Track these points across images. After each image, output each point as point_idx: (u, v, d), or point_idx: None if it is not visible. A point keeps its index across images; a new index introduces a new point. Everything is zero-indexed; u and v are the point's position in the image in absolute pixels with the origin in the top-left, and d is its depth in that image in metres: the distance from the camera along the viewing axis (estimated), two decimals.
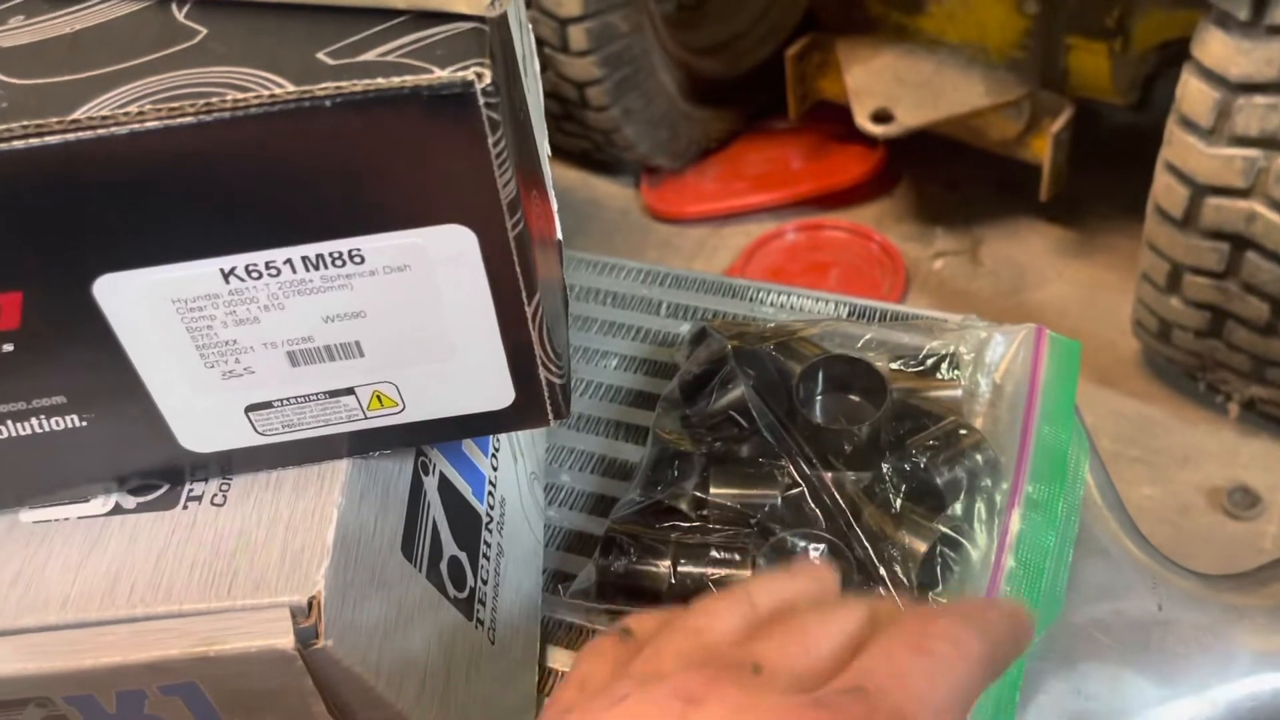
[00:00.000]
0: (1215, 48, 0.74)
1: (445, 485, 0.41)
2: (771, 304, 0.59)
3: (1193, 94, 0.76)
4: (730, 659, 0.28)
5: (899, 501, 0.44)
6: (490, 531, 0.44)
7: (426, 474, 0.40)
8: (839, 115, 1.13)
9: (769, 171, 1.23)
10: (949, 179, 1.20)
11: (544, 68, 1.10)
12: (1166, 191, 0.81)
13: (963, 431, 0.45)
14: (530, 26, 0.48)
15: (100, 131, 0.27)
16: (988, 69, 1.06)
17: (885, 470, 0.45)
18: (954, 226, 1.16)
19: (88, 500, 0.36)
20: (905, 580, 0.43)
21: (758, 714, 0.25)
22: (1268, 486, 0.90)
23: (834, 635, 0.28)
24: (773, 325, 0.53)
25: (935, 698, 0.26)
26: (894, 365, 0.49)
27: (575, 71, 1.08)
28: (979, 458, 0.45)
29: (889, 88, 1.08)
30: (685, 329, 0.56)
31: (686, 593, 0.43)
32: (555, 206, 0.44)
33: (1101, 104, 1.07)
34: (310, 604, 0.33)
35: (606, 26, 1.06)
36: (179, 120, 0.27)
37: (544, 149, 0.44)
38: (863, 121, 1.05)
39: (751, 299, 0.59)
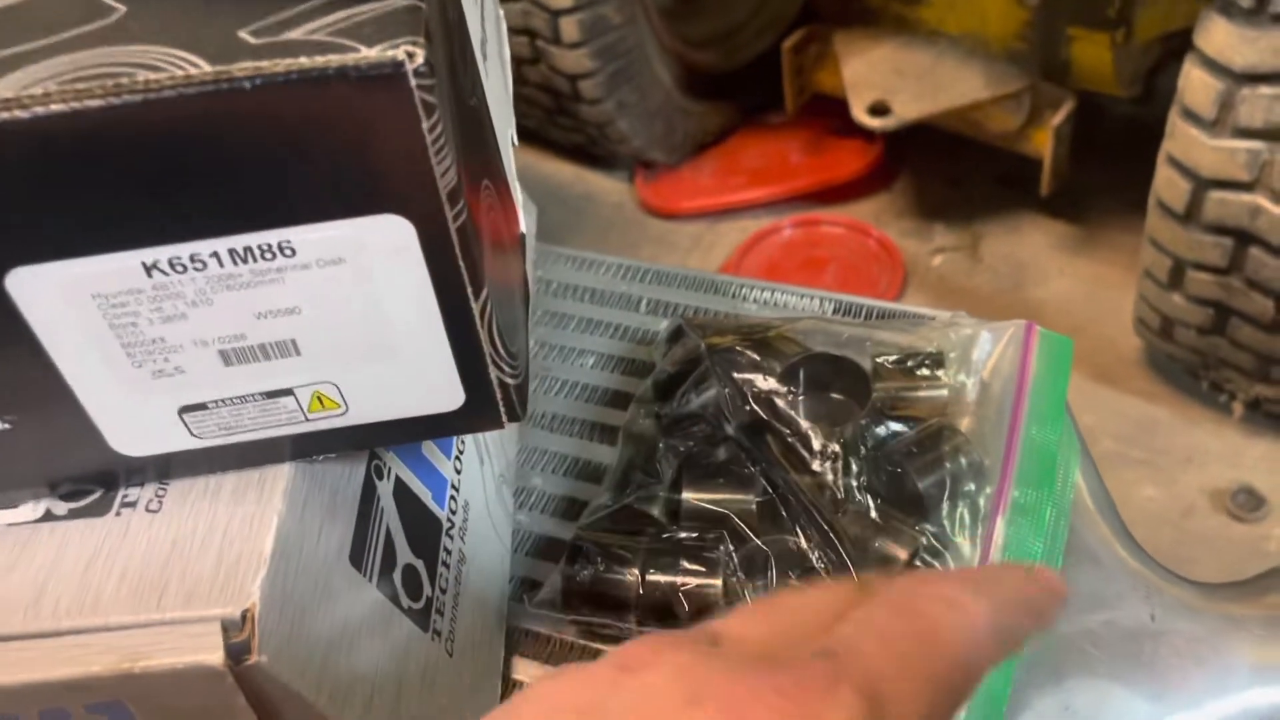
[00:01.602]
0: (1219, 37, 0.71)
1: (401, 490, 0.39)
2: (756, 300, 0.57)
3: (1195, 85, 0.74)
4: (687, 634, 0.24)
5: (879, 507, 0.42)
6: (451, 538, 0.42)
7: (380, 478, 0.38)
8: (837, 109, 1.11)
9: (766, 166, 1.21)
10: (948, 174, 1.18)
11: (536, 60, 1.08)
12: (1168, 185, 0.79)
13: (946, 434, 0.44)
14: (500, 10, 0.46)
15: (3, 115, 0.26)
16: (988, 61, 1.03)
17: (864, 474, 0.43)
18: (953, 222, 1.14)
19: (16, 506, 0.34)
20: None
21: (699, 675, 0.21)
22: (1272, 488, 0.88)
23: (810, 606, 0.24)
24: (753, 322, 0.51)
25: (921, 666, 0.22)
26: (878, 362, 0.47)
27: (568, 64, 1.06)
28: (963, 461, 0.43)
29: (887, 80, 1.06)
30: (664, 326, 0.54)
31: (655, 602, 0.41)
32: (519, 199, 0.42)
33: (1103, 97, 1.04)
34: (244, 617, 0.31)
35: (599, 18, 1.04)
36: (86, 103, 0.26)
37: (508, 140, 0.42)
38: (860, 114, 1.03)
39: (735, 295, 0.58)
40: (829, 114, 1.18)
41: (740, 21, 1.23)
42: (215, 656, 0.30)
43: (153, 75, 0.26)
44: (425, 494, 0.41)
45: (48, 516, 0.34)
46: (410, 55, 0.26)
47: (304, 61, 0.26)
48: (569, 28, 1.03)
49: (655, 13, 1.12)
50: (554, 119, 1.17)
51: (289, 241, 0.29)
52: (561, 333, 0.57)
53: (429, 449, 0.42)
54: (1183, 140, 0.76)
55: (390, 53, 0.26)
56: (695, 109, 1.20)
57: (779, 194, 1.18)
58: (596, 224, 1.20)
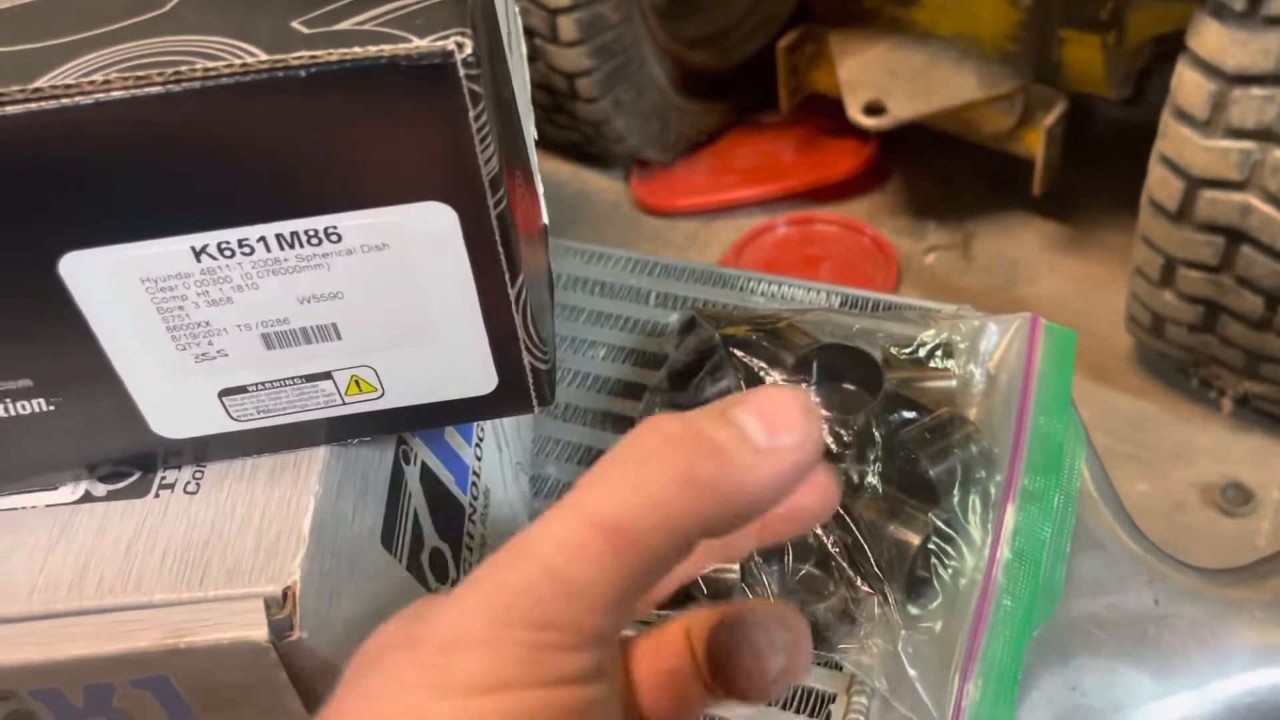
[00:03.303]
0: (1211, 39, 0.73)
1: (427, 474, 0.40)
2: (762, 294, 0.58)
3: (1188, 85, 0.75)
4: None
5: (892, 493, 0.44)
6: (473, 523, 0.43)
7: (408, 463, 0.39)
8: (831, 109, 1.12)
9: (760, 165, 1.22)
10: (941, 173, 1.19)
11: (533, 58, 1.09)
12: (1161, 184, 0.80)
13: (956, 422, 0.45)
14: (517, 8, 0.47)
15: (64, 101, 0.26)
16: (981, 62, 1.05)
17: (877, 461, 0.44)
18: (946, 221, 1.15)
19: (56, 488, 0.35)
20: (897, 573, 0.42)
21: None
22: (1261, 483, 0.90)
23: None
24: (763, 313, 0.52)
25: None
26: (890, 352, 0.48)
27: (565, 62, 1.07)
28: (973, 449, 0.44)
29: (881, 80, 1.07)
30: (674, 318, 0.55)
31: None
32: (541, 190, 0.43)
33: (1095, 98, 1.06)
34: (285, 595, 0.32)
35: (596, 17, 1.05)
36: (146, 90, 0.26)
37: (530, 132, 0.43)
38: (854, 114, 1.04)
39: (742, 288, 0.58)
40: (823, 114, 1.19)
41: (735, 21, 1.24)
42: (260, 632, 0.31)
43: (210, 64, 0.26)
44: (449, 479, 0.42)
45: (87, 498, 0.34)
46: (460, 46, 0.27)
47: (357, 51, 0.27)
48: (567, 26, 1.04)
49: (651, 12, 1.13)
50: (550, 117, 1.17)
51: (335, 227, 0.29)
52: (572, 324, 0.58)
53: (451, 436, 0.43)
54: (1175, 140, 0.77)
55: (440, 43, 0.27)
56: (690, 108, 1.21)
57: (773, 192, 1.19)
58: (592, 222, 1.21)
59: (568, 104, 1.13)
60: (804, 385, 0.47)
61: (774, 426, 0.23)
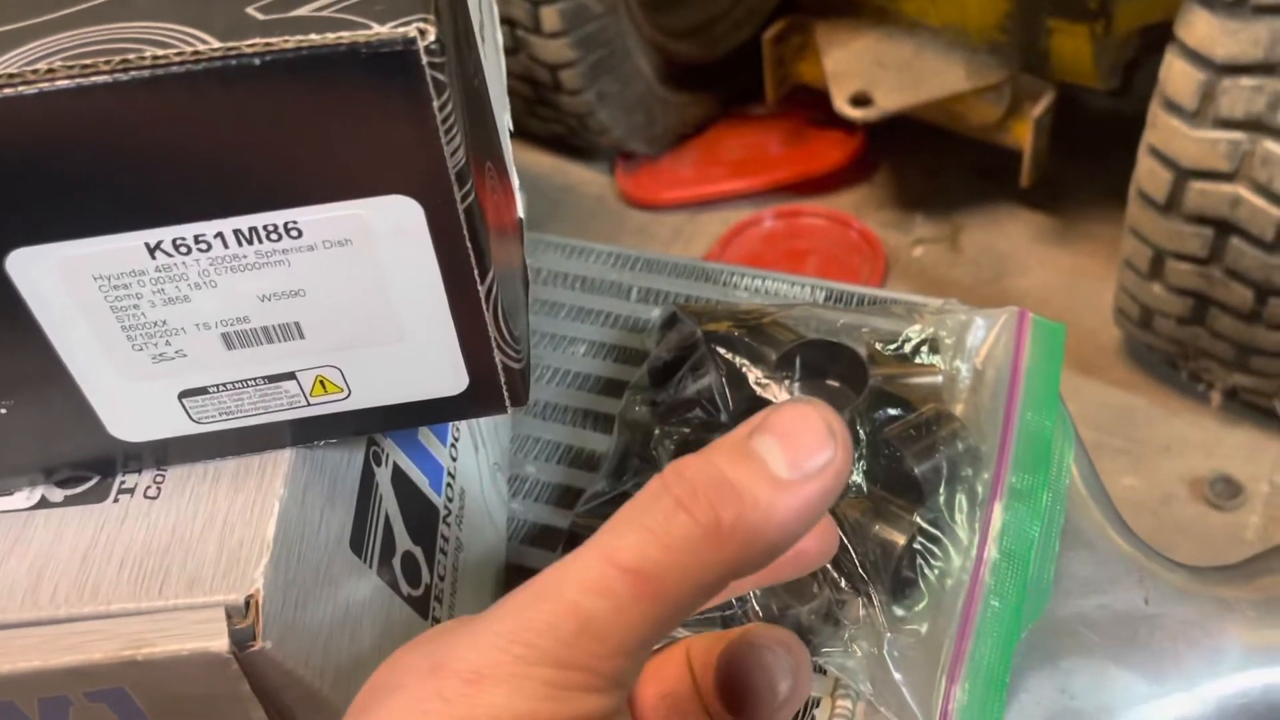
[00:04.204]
0: (1200, 28, 0.72)
1: (399, 476, 0.39)
2: (746, 288, 0.57)
3: (1177, 76, 0.74)
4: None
5: (876, 492, 0.43)
6: (448, 525, 0.42)
7: (379, 465, 0.38)
8: (817, 100, 1.11)
9: (747, 157, 1.21)
10: (929, 165, 1.18)
11: (516, 50, 1.07)
12: (1150, 175, 0.79)
13: (942, 419, 0.44)
14: None
15: (6, 92, 0.25)
16: (968, 52, 1.04)
17: (862, 459, 0.43)
18: (934, 213, 1.14)
19: (11, 494, 0.33)
20: (882, 574, 0.41)
21: None
22: (1249, 476, 0.89)
23: None
24: (746, 309, 0.50)
25: None
26: (874, 348, 0.47)
27: (548, 54, 1.06)
28: (959, 446, 0.43)
29: (868, 71, 1.06)
30: (656, 314, 0.54)
31: None
32: (516, 184, 0.42)
33: (1082, 89, 1.05)
34: (248, 603, 0.30)
35: (580, 8, 1.03)
36: (92, 79, 0.25)
37: (504, 124, 0.42)
38: (841, 105, 1.03)
39: (726, 283, 0.57)
40: (809, 105, 1.18)
41: (720, 12, 1.23)
42: (220, 643, 0.30)
43: (160, 51, 0.25)
44: (423, 481, 0.40)
45: (43, 503, 0.33)
46: (422, 32, 0.26)
47: (314, 38, 0.26)
48: (550, 17, 1.03)
49: (636, 3, 1.11)
50: (534, 109, 1.16)
51: (295, 222, 0.28)
52: (552, 320, 0.57)
53: (425, 436, 0.41)
54: (1164, 131, 0.77)
55: (402, 30, 0.26)
56: (676, 100, 1.20)
57: (759, 185, 1.18)
58: (577, 215, 1.20)
59: (551, 96, 1.12)
60: (787, 382, 0.46)
61: (797, 453, 0.22)
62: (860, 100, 1.03)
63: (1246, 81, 0.71)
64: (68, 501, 0.33)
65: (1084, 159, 1.12)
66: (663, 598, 0.22)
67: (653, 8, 1.15)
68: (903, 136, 1.16)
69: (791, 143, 1.21)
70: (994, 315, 0.48)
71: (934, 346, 0.47)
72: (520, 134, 1.25)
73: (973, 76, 1.03)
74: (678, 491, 0.22)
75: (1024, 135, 1.02)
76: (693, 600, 0.23)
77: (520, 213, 0.42)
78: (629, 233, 1.18)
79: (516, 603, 0.23)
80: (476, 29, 0.37)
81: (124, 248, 0.28)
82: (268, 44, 0.25)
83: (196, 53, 0.25)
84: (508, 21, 1.05)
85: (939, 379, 0.46)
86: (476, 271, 0.31)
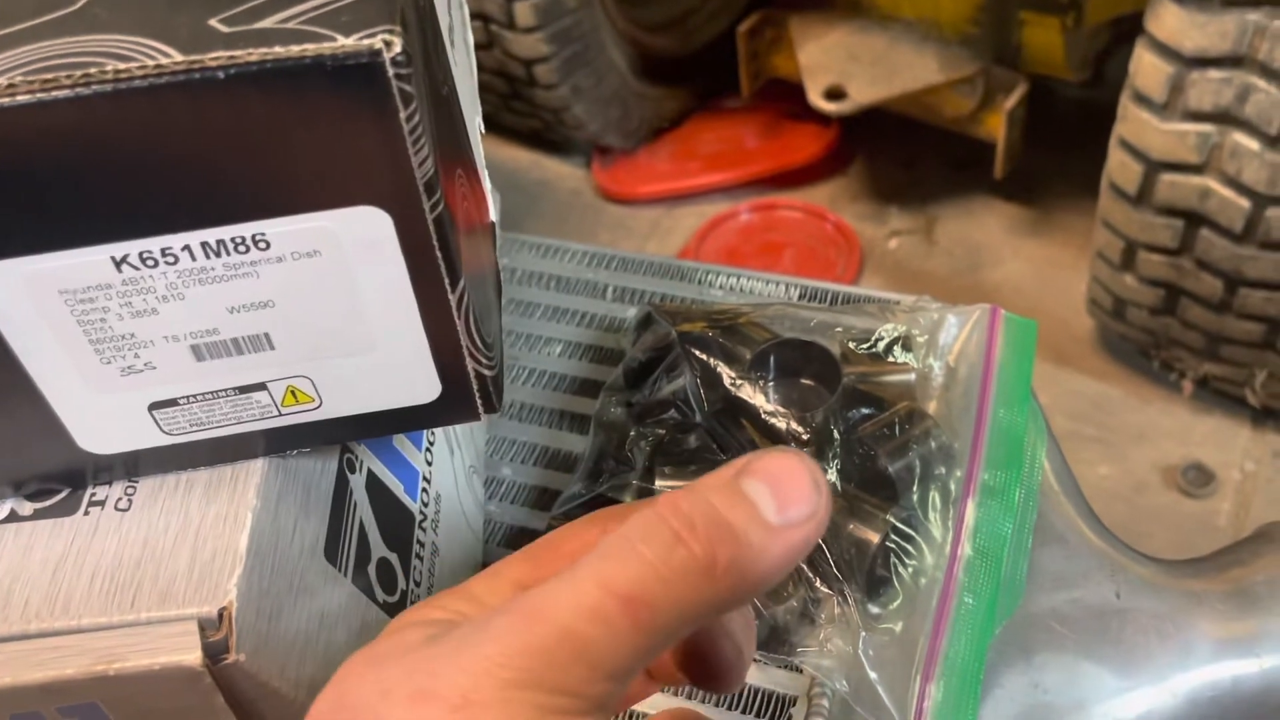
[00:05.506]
0: (1169, 21, 0.72)
1: (374, 483, 0.39)
2: (721, 287, 0.57)
3: (1146, 68, 0.75)
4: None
5: (850, 491, 0.43)
6: (424, 530, 0.42)
7: (353, 472, 0.38)
8: (792, 93, 1.11)
9: (722, 151, 1.21)
10: (903, 157, 1.19)
11: (490, 45, 1.07)
12: (1120, 168, 0.80)
13: (915, 417, 0.44)
14: None
15: None
16: (941, 45, 1.04)
17: (836, 459, 0.43)
18: (909, 205, 1.15)
19: None
20: (856, 573, 0.41)
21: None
22: (1221, 464, 0.90)
23: None
24: (721, 308, 0.51)
25: None
26: (847, 346, 0.47)
27: (522, 49, 1.06)
28: (932, 444, 0.44)
29: (842, 64, 1.06)
30: (632, 313, 0.54)
31: None
32: (488, 187, 0.42)
33: (1055, 81, 1.06)
34: (221, 616, 0.30)
35: (553, 2, 1.03)
36: (54, 94, 0.25)
37: (475, 127, 0.42)
38: (816, 98, 1.03)
39: (701, 282, 0.58)
40: (784, 98, 1.18)
41: (694, 5, 1.23)
42: (193, 656, 0.30)
43: (122, 65, 0.25)
44: (397, 487, 0.40)
45: (12, 517, 0.33)
46: (387, 44, 0.26)
47: (279, 51, 0.25)
48: (523, 12, 1.02)
49: None
50: (509, 104, 1.16)
51: (263, 234, 0.28)
52: (527, 321, 0.57)
53: (400, 441, 0.41)
54: (1134, 123, 0.77)
55: (367, 41, 0.26)
56: (651, 94, 1.20)
57: (736, 178, 1.18)
58: (553, 210, 1.20)
59: (526, 91, 1.11)
60: (761, 382, 0.46)
61: (784, 500, 0.24)
62: (835, 93, 1.04)
63: (1215, 74, 0.72)
64: (37, 515, 0.33)
65: (1057, 150, 1.12)
66: (655, 627, 0.22)
67: (627, 2, 1.15)
68: (877, 129, 1.16)
69: (767, 136, 1.21)
70: (966, 312, 0.48)
71: (907, 344, 0.47)
72: (496, 129, 1.25)
73: (946, 69, 1.03)
74: (676, 525, 0.23)
75: (997, 127, 1.03)
76: (680, 632, 0.23)
77: (493, 216, 0.42)
78: (605, 227, 1.17)
79: (504, 624, 0.22)
80: (446, 33, 0.37)
81: (89, 262, 0.28)
82: (232, 57, 0.25)
83: (159, 66, 0.25)
84: (481, 17, 1.04)
85: (912, 377, 0.47)
86: (447, 280, 0.31)
